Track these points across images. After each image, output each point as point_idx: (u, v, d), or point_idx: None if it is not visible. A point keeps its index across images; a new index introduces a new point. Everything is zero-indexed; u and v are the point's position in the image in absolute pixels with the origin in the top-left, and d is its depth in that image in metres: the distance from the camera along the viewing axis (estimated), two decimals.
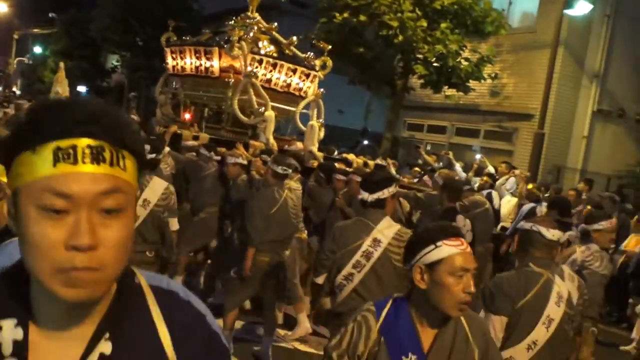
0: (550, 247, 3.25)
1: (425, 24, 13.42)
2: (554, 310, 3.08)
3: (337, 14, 13.81)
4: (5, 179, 2.15)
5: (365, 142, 21.60)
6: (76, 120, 0.98)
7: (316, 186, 7.50)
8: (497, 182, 10.93)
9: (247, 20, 10.83)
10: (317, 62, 11.30)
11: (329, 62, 11.38)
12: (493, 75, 15.16)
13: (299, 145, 9.91)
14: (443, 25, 13.80)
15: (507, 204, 10.09)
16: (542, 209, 8.38)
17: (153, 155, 4.71)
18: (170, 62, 11.26)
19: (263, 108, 9.75)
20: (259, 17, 11.14)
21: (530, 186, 9.87)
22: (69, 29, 34.50)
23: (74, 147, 0.97)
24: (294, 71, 10.67)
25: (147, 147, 4.56)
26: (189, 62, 10.70)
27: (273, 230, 5.49)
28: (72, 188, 0.96)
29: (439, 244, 2.16)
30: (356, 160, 11.93)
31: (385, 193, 3.90)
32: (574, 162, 15.94)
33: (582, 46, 15.51)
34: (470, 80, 14.86)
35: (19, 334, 1.02)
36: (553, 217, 5.58)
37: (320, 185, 7.50)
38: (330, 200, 7.30)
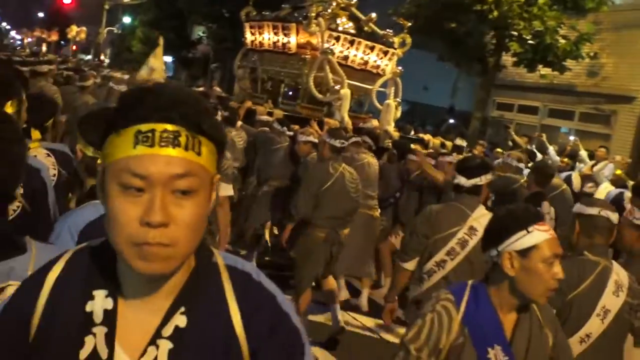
0: (612, 233, 3.16)
1: None
2: (611, 301, 2.96)
3: None
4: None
5: (452, 120, 20.99)
6: (157, 106, 1.07)
7: (386, 163, 7.53)
8: (595, 168, 10.55)
9: None
10: (396, 40, 11.20)
11: (408, 40, 11.28)
12: (592, 54, 14.37)
13: (375, 123, 9.90)
14: (541, 0, 13.24)
15: (604, 191, 9.49)
16: (629, 194, 8.13)
17: None
18: (248, 37, 11.48)
19: (339, 86, 9.78)
20: None
21: (618, 172, 9.52)
22: (157, 0, 35.52)
23: (153, 131, 1.06)
24: (372, 48, 10.64)
25: None
26: (267, 37, 10.86)
27: (329, 206, 5.50)
28: (149, 169, 1.05)
29: (530, 229, 2.10)
30: (433, 140, 11.81)
31: (482, 180, 3.84)
32: None
33: None
34: (567, 60, 14.25)
35: (109, 304, 1.13)
36: (637, 204, 5.39)
37: (391, 163, 7.55)
38: (398, 177, 7.34)
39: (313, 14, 9.84)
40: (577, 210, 3.26)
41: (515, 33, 13.69)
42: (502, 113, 19.08)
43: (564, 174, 9.97)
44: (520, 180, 6.82)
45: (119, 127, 1.07)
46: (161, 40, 14.72)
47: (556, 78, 15.28)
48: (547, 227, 2.14)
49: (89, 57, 41.52)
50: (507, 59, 15.18)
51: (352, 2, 11.19)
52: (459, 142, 12.47)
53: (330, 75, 9.89)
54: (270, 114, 8.89)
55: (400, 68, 11.05)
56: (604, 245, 3.14)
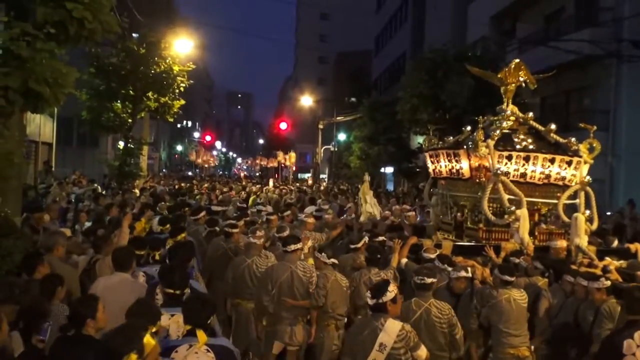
0: None
1: None
2: None
3: None
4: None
5: None
6: None
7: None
8: None
9: (497, 116, 11.97)
10: (582, 147, 11.72)
11: (597, 144, 11.74)
12: None
13: (561, 242, 10.38)
14: None
15: None
16: None
17: None
18: (430, 165, 12.85)
19: (514, 207, 10.66)
20: (512, 109, 12.15)
21: None
22: (373, 114, 38.57)
23: None
24: (552, 161, 11.23)
25: None
26: (442, 164, 12.16)
27: None
28: None
29: None
30: None
31: None
32: None
33: None
34: None
35: None
36: None
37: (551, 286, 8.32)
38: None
39: (481, 137, 10.96)
40: None
41: None
42: None
43: None
44: None
45: None
46: (367, 177, 16.74)
47: None
48: None
49: (308, 175, 45.60)
50: None
51: (528, 116, 12.11)
52: None
53: (505, 196, 10.81)
54: (438, 246, 10.01)
55: (588, 177, 11.54)
56: None
